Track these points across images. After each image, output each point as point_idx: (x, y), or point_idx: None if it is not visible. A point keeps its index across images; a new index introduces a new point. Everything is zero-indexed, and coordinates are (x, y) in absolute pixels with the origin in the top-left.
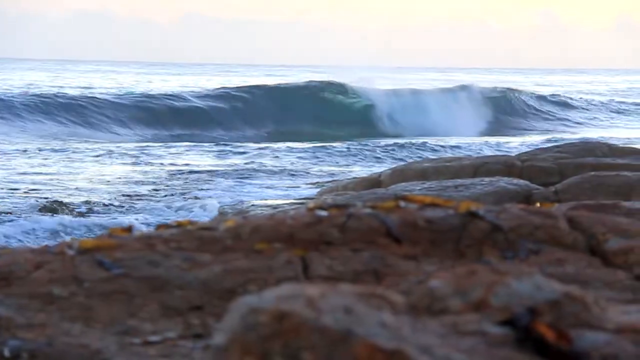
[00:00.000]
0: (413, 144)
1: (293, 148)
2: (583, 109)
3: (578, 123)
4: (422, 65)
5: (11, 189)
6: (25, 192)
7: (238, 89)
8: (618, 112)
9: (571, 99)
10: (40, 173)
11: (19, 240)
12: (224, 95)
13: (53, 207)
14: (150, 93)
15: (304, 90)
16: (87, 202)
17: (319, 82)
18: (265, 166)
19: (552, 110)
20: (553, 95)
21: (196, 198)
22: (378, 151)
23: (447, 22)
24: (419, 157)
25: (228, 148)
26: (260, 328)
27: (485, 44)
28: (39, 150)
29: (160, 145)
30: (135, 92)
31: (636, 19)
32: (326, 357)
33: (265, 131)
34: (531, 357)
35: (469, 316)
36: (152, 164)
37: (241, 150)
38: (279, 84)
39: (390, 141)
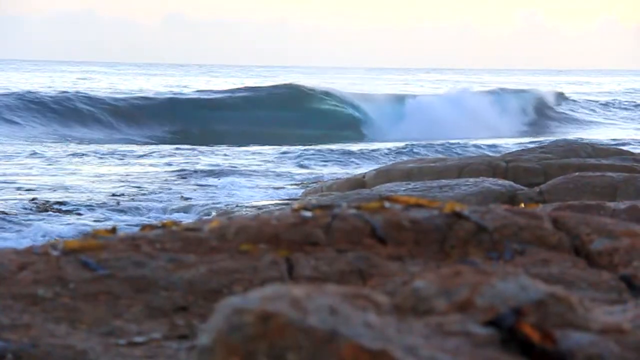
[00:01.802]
0: (405, 143)
1: (279, 149)
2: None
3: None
4: (406, 66)
5: (1, 190)
6: (18, 193)
7: (223, 91)
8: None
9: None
10: (29, 174)
11: (7, 237)
12: (209, 96)
13: (41, 208)
14: (137, 94)
15: (295, 91)
16: (74, 203)
17: (312, 86)
18: (251, 167)
19: (564, 110)
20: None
21: (182, 198)
22: (372, 154)
23: (432, 24)
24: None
25: (213, 149)
26: (246, 329)
27: (470, 44)
28: (28, 151)
29: (147, 146)
30: (121, 93)
31: (620, 22)
32: (311, 357)
33: (250, 132)
34: (516, 357)
35: (454, 317)
36: (139, 165)
37: (226, 151)
38: (265, 86)
39: (380, 145)
